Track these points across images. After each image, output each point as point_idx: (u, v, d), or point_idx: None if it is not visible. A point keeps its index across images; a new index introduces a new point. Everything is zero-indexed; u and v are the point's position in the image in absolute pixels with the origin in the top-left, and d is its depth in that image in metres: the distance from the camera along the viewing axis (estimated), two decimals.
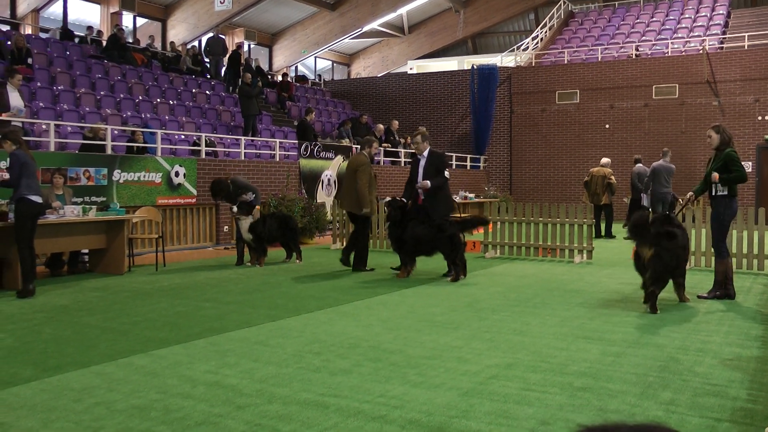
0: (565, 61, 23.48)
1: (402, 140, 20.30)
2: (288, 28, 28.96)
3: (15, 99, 10.60)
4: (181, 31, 25.13)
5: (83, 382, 4.38)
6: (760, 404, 4.00)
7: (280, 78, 23.22)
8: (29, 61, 14.34)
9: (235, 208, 10.23)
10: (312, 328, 5.96)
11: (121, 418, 3.72)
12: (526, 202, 14.26)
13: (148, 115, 15.27)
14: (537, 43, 25.53)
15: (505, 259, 11.36)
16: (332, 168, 16.52)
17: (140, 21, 24.80)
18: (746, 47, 20.99)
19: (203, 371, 4.60)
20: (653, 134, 21.23)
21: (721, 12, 24.97)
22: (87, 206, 9.43)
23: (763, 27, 22.61)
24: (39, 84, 14.18)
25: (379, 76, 29.65)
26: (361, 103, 25.54)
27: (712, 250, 7.76)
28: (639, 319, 6.39)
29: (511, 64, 24.60)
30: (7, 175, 7.87)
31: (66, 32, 19.31)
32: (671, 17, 25.68)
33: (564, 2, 27.83)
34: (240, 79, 18.74)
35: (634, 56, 22.50)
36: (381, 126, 19.60)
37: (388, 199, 9.32)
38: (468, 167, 22.87)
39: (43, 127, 12.05)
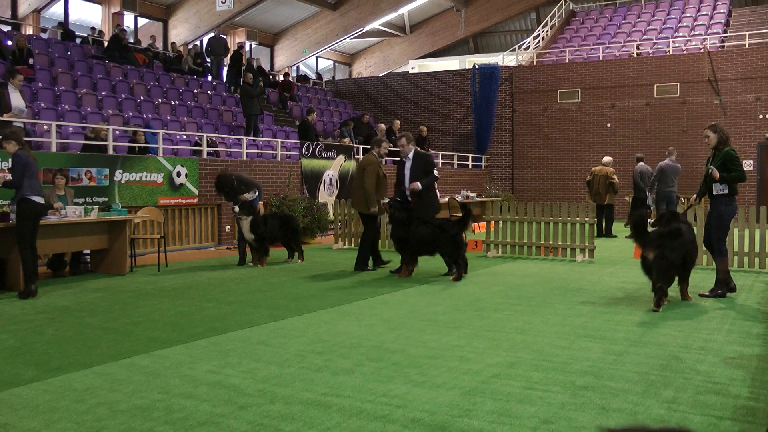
0: (567, 61, 23.46)
1: None
2: (289, 28, 28.95)
3: (16, 99, 10.60)
4: (182, 31, 25.13)
5: (85, 382, 4.39)
6: (762, 402, 4.00)
7: (281, 78, 23.22)
8: (30, 61, 14.35)
9: (237, 208, 10.24)
10: (314, 327, 5.96)
11: (124, 419, 3.73)
12: (527, 202, 14.27)
13: (150, 116, 15.28)
14: (538, 42, 25.51)
15: (507, 258, 11.36)
16: (334, 168, 16.52)
17: (141, 21, 24.80)
18: (747, 46, 20.97)
19: (205, 371, 4.61)
20: (655, 133, 21.21)
21: (722, 11, 24.96)
22: (89, 207, 9.45)
23: (764, 26, 22.59)
24: (40, 84, 14.19)
25: (380, 75, 29.65)
26: (362, 103, 25.53)
27: (704, 248, 7.75)
28: (641, 317, 6.39)
29: (513, 64, 24.58)
30: (9, 176, 7.89)
31: (67, 32, 19.33)
32: (672, 16, 25.67)
33: (565, 1, 27.80)
34: (241, 79, 18.74)
35: (635, 55, 22.48)
36: (383, 126, 19.58)
37: (387, 200, 9.35)
38: (470, 166, 22.88)
39: (45, 127, 12.07)
